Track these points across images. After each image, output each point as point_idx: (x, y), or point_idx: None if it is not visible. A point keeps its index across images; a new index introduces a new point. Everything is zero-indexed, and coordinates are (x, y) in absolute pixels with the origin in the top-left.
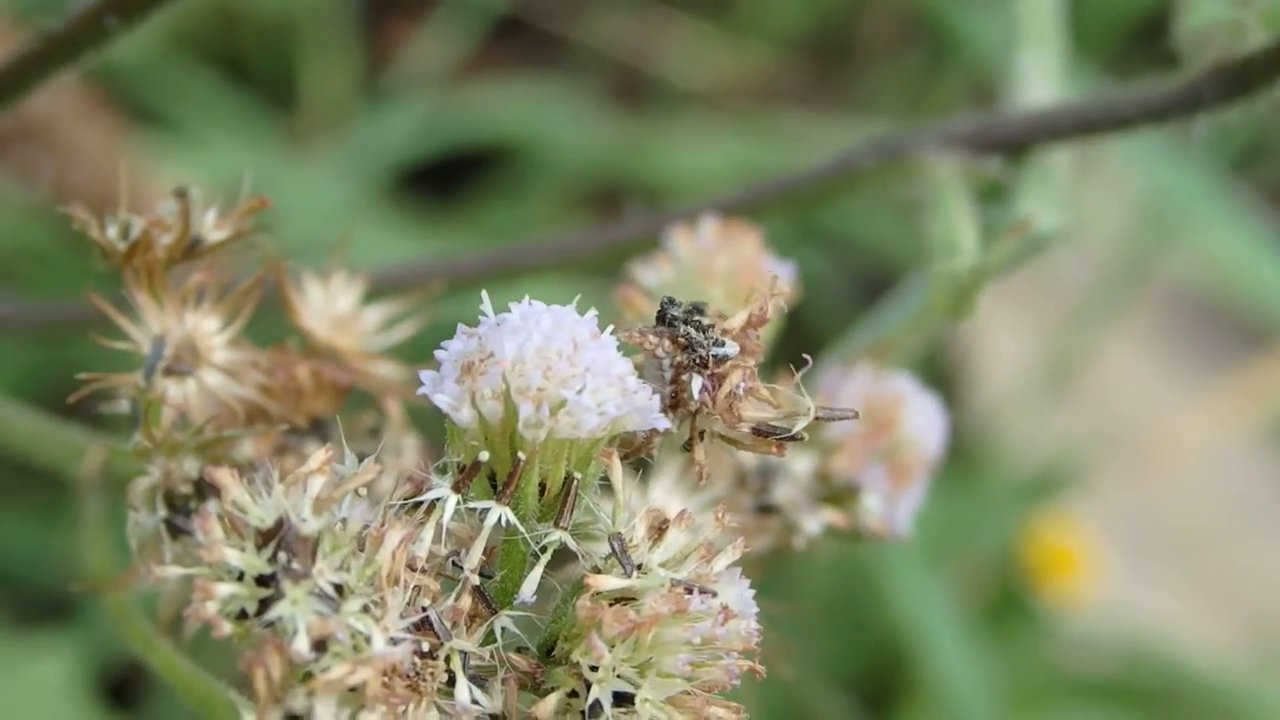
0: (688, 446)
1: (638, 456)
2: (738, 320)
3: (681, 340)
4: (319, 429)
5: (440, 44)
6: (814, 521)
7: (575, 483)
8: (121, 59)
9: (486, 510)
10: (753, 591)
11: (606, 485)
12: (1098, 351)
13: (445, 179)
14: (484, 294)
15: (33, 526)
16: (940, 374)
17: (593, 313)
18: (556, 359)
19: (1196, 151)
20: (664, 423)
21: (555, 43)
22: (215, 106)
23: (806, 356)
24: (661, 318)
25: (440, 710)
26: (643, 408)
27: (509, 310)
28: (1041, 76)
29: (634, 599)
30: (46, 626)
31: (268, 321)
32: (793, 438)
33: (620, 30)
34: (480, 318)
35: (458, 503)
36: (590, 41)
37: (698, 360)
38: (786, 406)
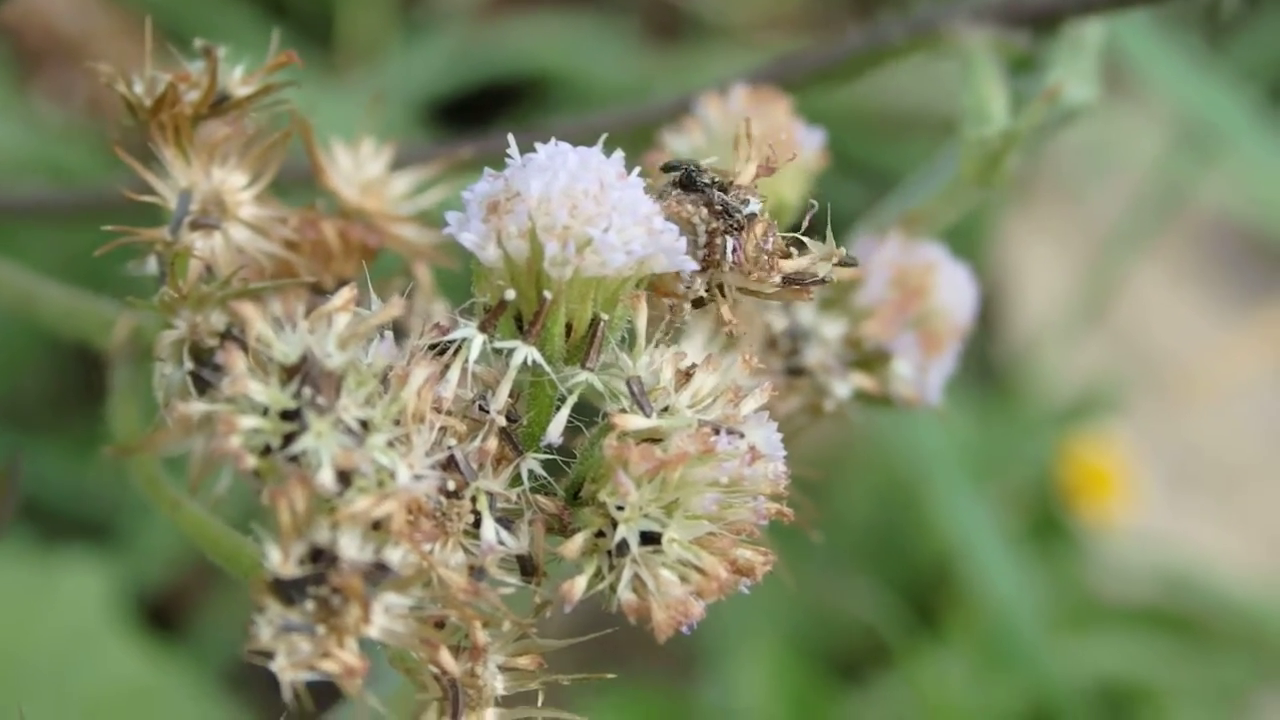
0: (718, 309)
1: (670, 319)
2: (748, 174)
3: (717, 206)
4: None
5: None
6: (844, 386)
7: (602, 324)
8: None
9: (512, 351)
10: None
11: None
12: (1133, 281)
13: (480, 113)
14: (510, 137)
15: (68, 459)
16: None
17: (619, 154)
18: (583, 198)
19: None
20: (691, 264)
21: None
22: (252, 39)
23: (805, 234)
24: (689, 183)
25: (466, 551)
26: (669, 248)
27: (535, 150)
28: None
29: (661, 440)
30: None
31: (297, 197)
32: (821, 281)
33: None
34: (506, 160)
35: (484, 343)
36: None
37: (734, 225)
38: (815, 253)
